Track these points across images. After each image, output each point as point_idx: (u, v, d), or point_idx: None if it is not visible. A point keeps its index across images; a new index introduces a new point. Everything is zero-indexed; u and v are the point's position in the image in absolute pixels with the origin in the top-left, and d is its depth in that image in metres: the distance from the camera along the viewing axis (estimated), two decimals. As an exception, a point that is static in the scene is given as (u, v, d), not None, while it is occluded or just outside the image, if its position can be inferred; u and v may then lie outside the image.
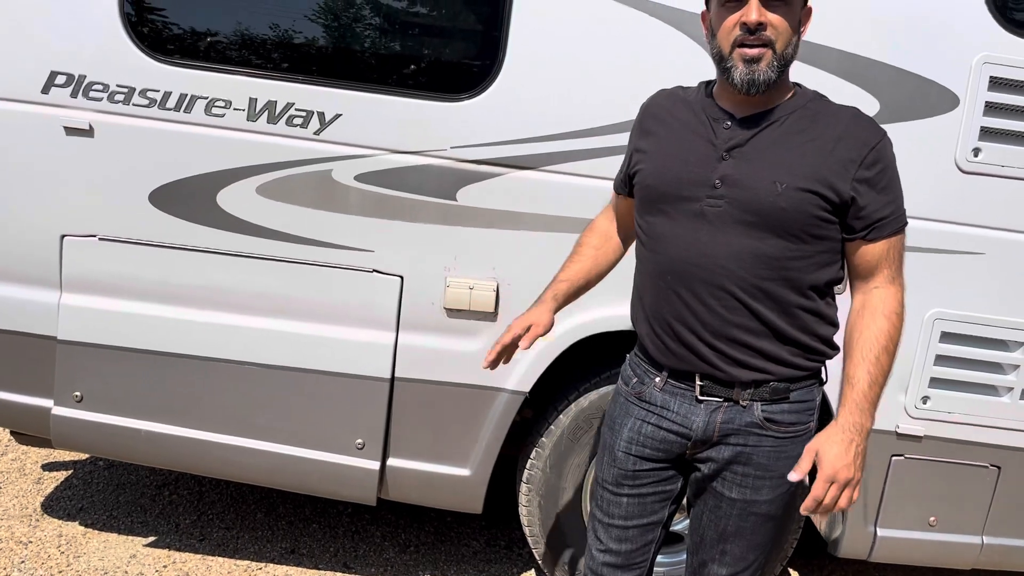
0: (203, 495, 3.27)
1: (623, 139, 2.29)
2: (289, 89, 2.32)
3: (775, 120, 1.67)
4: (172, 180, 2.37)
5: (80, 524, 2.98)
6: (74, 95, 2.32)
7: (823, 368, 1.78)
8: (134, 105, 2.33)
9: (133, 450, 2.52)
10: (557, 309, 1.88)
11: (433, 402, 2.48)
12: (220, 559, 2.87)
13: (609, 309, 2.40)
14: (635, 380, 1.84)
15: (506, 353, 1.84)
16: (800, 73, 2.27)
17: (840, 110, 1.70)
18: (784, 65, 1.65)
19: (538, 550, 2.66)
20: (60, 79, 2.32)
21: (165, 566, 2.79)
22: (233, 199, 2.37)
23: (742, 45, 1.62)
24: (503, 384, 2.46)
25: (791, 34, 1.63)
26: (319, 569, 2.87)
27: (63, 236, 2.40)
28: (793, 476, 1.65)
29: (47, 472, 3.32)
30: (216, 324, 2.42)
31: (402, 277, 2.40)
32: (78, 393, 2.45)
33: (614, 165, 2.27)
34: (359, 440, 2.48)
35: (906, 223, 1.69)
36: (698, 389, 1.73)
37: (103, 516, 3.05)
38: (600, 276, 1.96)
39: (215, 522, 3.09)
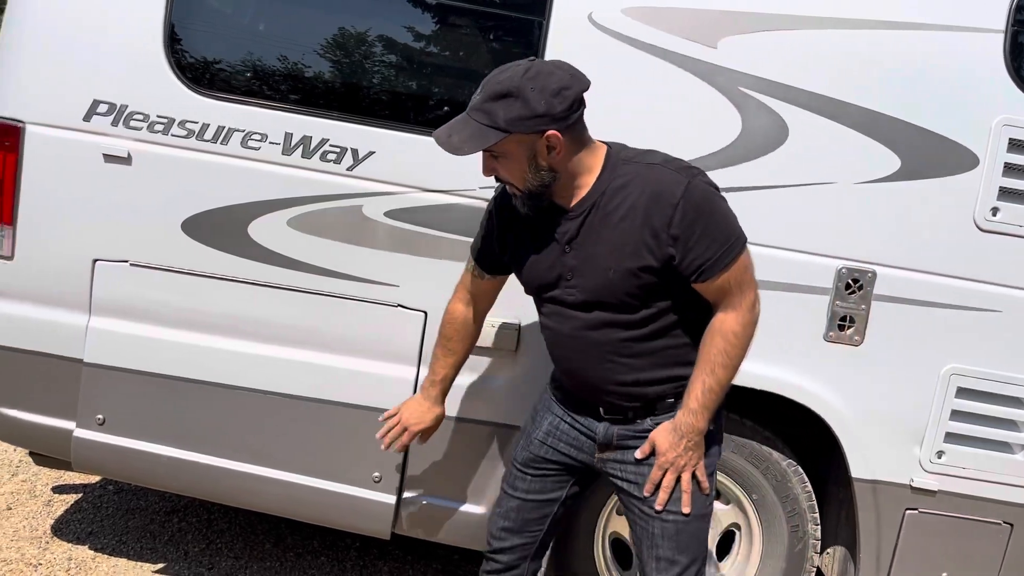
0: (212, 523, 3.27)
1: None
2: (324, 125, 2.38)
3: (593, 204, 1.86)
4: (205, 210, 2.41)
5: (90, 548, 2.97)
6: (115, 124, 2.38)
7: None
8: (172, 135, 2.39)
9: (152, 475, 2.53)
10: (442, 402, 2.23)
11: (451, 438, 2.50)
12: (228, 589, 2.87)
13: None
14: (554, 386, 2.12)
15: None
16: (824, 128, 2.35)
17: (644, 171, 1.85)
18: (535, 192, 1.85)
19: (549, 591, 2.66)
20: (102, 108, 2.38)
21: (174, 594, 2.79)
22: (264, 230, 2.41)
23: None
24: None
25: (522, 171, 1.82)
26: (327, 602, 2.87)
27: (95, 260, 2.44)
28: (637, 454, 1.95)
29: (57, 495, 3.33)
30: (241, 353, 2.45)
31: (426, 313, 2.43)
32: (101, 416, 2.47)
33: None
34: (376, 473, 2.49)
35: (739, 252, 1.83)
36: (601, 411, 2.00)
37: (112, 541, 3.04)
38: (465, 361, 2.24)
39: (224, 551, 3.08)
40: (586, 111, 2.35)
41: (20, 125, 2.39)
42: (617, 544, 2.66)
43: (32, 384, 2.50)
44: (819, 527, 2.61)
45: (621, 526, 2.59)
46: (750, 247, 2.36)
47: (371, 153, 2.38)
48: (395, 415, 2.21)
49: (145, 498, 3.40)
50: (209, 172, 2.40)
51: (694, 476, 1.93)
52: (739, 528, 2.66)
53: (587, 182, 1.86)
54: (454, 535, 2.56)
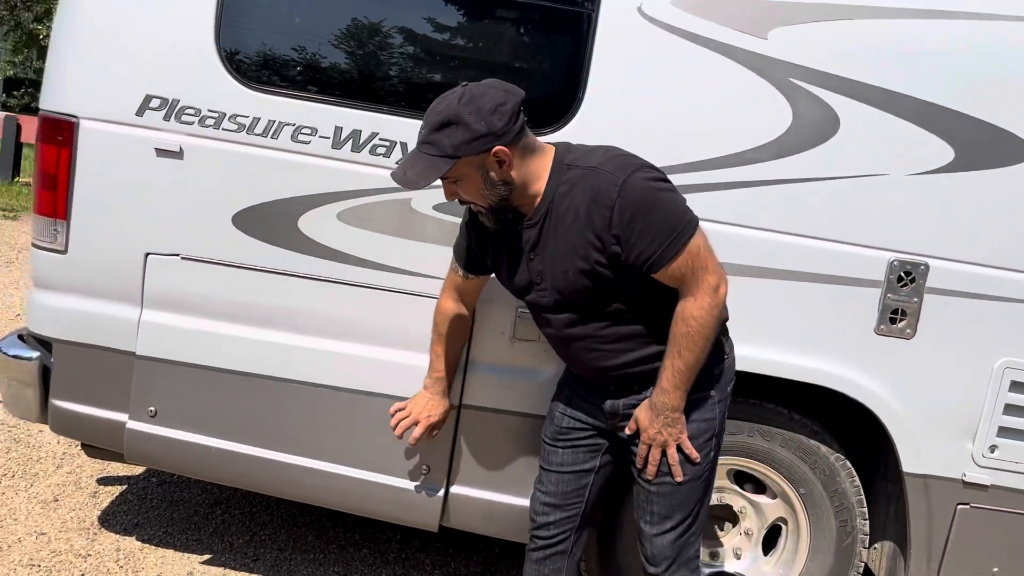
0: (254, 515, 3.30)
1: (701, 176, 2.37)
2: (374, 119, 2.39)
3: (547, 211, 1.96)
4: (256, 203, 2.43)
5: (137, 539, 3.00)
6: (167, 118, 2.40)
7: None
8: (223, 130, 2.40)
9: (203, 467, 2.56)
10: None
11: (498, 431, 2.51)
12: (275, 580, 2.89)
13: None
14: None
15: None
16: (878, 120, 2.33)
17: (584, 174, 1.91)
18: (497, 207, 1.96)
19: (594, 585, 2.66)
20: (155, 102, 2.40)
21: (221, 585, 2.82)
22: (314, 224, 2.42)
23: None
24: (569, 416, 2.48)
25: (480, 190, 1.93)
26: (372, 594, 2.88)
27: (147, 254, 2.46)
28: (626, 431, 2.08)
29: (102, 486, 3.37)
30: (290, 345, 2.46)
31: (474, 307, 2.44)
32: (153, 408, 2.50)
33: (692, 202, 2.32)
34: (425, 466, 2.50)
35: (686, 240, 1.87)
36: (611, 389, 2.12)
37: (159, 532, 3.08)
38: (462, 353, 2.41)
39: (268, 543, 3.11)
40: (635, 102, 2.38)
41: (74, 120, 2.41)
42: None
43: (85, 377, 2.53)
44: (868, 522, 2.59)
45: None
46: (800, 239, 2.36)
47: (420, 146, 2.38)
48: (403, 409, 2.36)
49: (188, 490, 3.43)
50: (260, 166, 2.41)
51: (680, 448, 2.02)
52: (785, 522, 2.64)
53: (539, 188, 1.96)
54: (502, 528, 2.56)
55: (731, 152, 2.37)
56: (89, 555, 2.86)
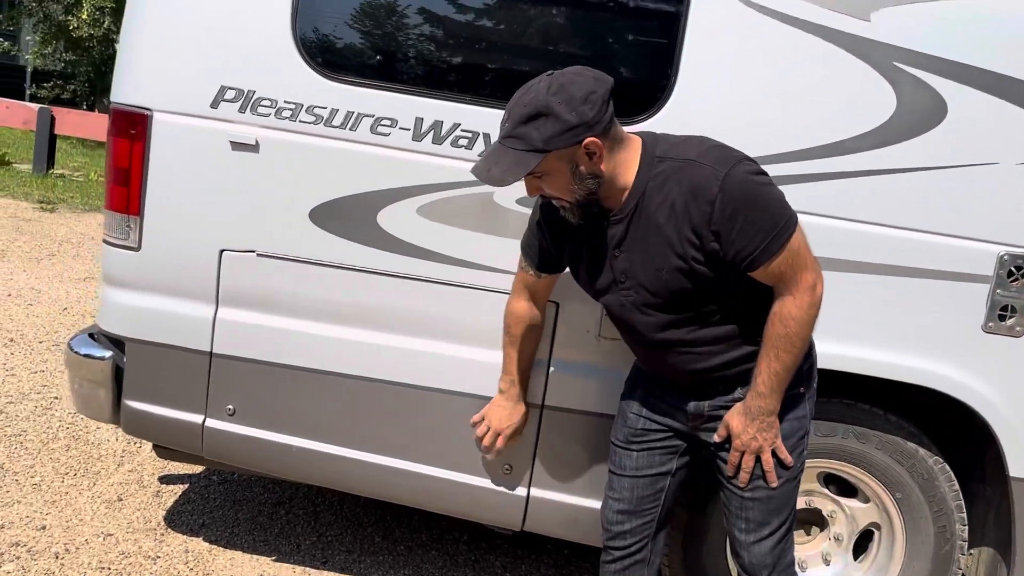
0: (319, 515, 3.24)
1: (799, 167, 2.26)
2: (456, 109, 2.30)
3: (636, 205, 1.85)
4: (334, 198, 2.35)
5: (204, 540, 2.95)
6: (242, 110, 2.33)
7: None
8: (300, 122, 2.32)
9: (284, 465, 2.49)
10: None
11: (582, 432, 2.42)
12: (346, 583, 2.83)
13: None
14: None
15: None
16: (988, 106, 2.21)
17: (681, 167, 1.81)
18: (583, 201, 1.84)
19: (678, 591, 2.57)
20: (230, 94, 2.32)
21: (293, 588, 2.76)
22: (394, 219, 2.34)
23: None
24: (656, 417, 2.38)
25: (567, 184, 1.81)
26: (445, 598, 2.81)
27: (222, 251, 2.39)
28: (715, 438, 1.98)
29: (164, 485, 3.32)
30: (370, 344, 2.39)
31: (558, 304, 2.35)
32: (231, 407, 2.43)
33: (789, 193, 2.21)
34: (507, 465, 2.42)
35: (787, 237, 1.78)
36: (691, 392, 2.02)
37: (225, 533, 3.02)
38: (535, 353, 2.31)
39: (335, 545, 3.04)
40: (729, 88, 2.28)
41: (148, 113, 2.35)
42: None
43: (159, 377, 2.47)
44: (967, 528, 2.48)
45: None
46: (903, 232, 2.26)
47: (504, 138, 2.28)
48: (482, 420, 2.30)
49: (250, 489, 3.38)
50: (338, 159, 2.33)
51: (774, 453, 1.94)
52: (878, 527, 2.53)
53: (628, 181, 1.85)
54: (585, 533, 2.46)
55: (830, 141, 2.25)
56: (159, 557, 2.81)
